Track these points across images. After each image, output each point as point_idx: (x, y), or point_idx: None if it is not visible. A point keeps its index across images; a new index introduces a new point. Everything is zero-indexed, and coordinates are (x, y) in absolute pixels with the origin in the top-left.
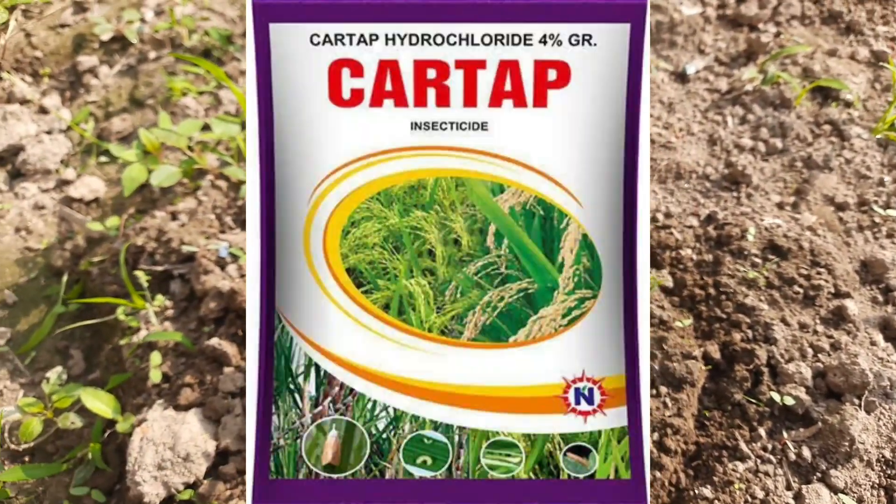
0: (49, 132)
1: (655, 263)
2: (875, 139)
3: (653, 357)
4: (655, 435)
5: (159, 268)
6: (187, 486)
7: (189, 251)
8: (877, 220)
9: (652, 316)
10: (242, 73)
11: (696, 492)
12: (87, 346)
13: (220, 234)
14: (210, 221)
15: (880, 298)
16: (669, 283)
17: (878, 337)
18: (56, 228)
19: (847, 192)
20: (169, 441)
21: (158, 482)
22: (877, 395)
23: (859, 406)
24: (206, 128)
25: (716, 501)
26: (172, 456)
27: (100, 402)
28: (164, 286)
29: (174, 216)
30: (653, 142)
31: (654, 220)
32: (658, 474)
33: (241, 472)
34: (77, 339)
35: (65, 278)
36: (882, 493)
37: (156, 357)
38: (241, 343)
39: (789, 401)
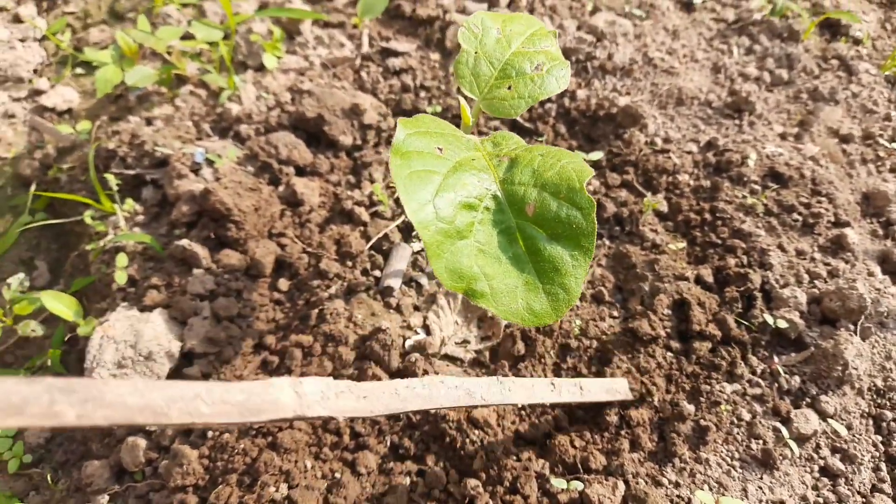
0: (23, 40)
1: (651, 188)
2: (883, 76)
3: (643, 278)
4: (641, 355)
5: (131, 172)
6: None
7: (163, 154)
8: (881, 153)
9: (644, 239)
10: None
11: (681, 409)
12: (54, 259)
13: (196, 140)
14: (187, 128)
15: (880, 231)
16: (664, 207)
17: (877, 269)
18: (26, 138)
19: (852, 125)
20: (131, 339)
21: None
22: (873, 322)
23: (854, 332)
24: (187, 37)
25: (701, 421)
26: (134, 354)
27: (61, 304)
28: (136, 193)
29: (149, 122)
30: (655, 66)
31: (652, 144)
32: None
33: (206, 376)
34: (43, 250)
35: (33, 188)
36: (871, 422)
37: (122, 258)
38: (212, 246)
39: (782, 324)
